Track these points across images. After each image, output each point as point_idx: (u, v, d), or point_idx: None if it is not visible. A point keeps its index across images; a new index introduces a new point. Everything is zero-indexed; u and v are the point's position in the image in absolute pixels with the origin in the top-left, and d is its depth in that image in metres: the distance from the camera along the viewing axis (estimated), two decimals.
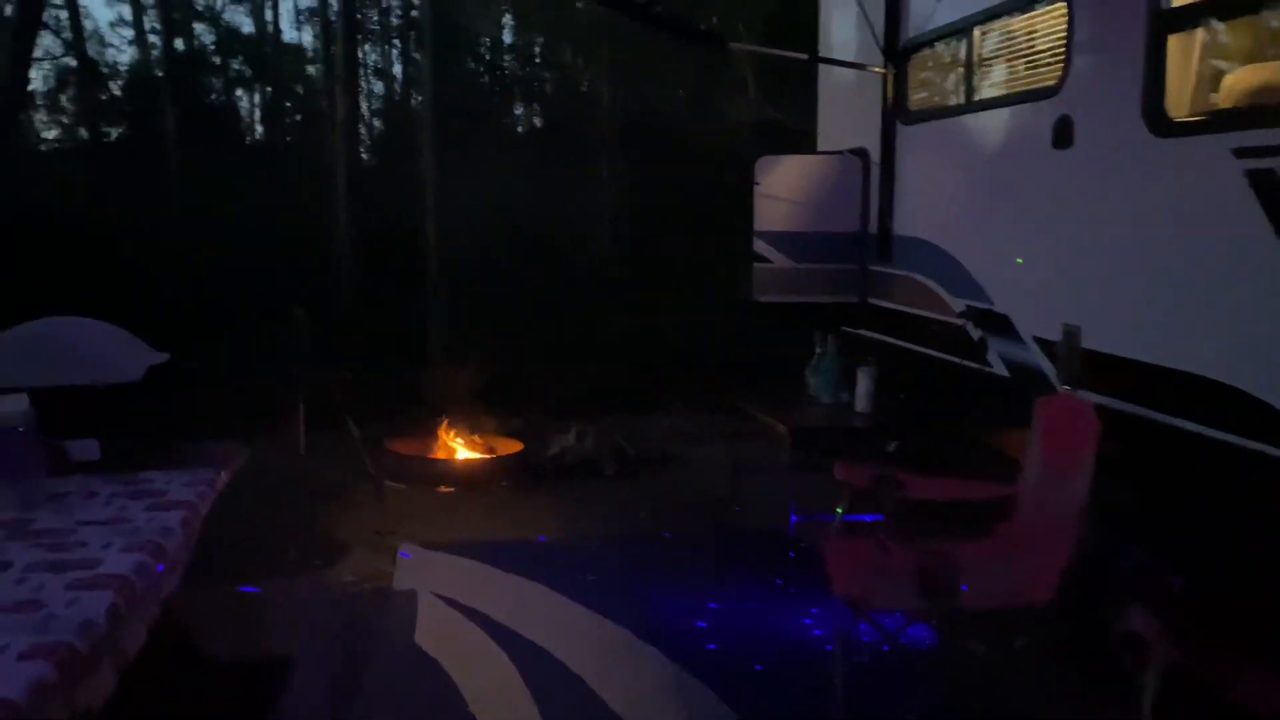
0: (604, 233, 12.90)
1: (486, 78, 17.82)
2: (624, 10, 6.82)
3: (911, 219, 5.37)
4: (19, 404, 2.43)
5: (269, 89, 20.48)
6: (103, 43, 19.56)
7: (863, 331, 5.68)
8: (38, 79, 17.50)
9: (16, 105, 10.99)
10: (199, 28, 19.63)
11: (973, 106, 4.91)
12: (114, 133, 17.06)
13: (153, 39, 16.25)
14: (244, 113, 20.88)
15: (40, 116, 18.10)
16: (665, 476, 6.70)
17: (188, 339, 9.22)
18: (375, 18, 20.22)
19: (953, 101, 5.23)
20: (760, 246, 5.81)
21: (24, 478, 2.47)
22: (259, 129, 20.74)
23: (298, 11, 21.09)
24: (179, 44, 18.67)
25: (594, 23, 13.34)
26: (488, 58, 17.94)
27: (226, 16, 20.58)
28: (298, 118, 20.23)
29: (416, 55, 16.88)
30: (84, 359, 2.86)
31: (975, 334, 4.57)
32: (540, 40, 18.17)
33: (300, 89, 20.50)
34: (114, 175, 12.45)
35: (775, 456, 5.14)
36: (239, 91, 20.84)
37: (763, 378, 6.98)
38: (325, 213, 12.00)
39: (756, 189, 5.81)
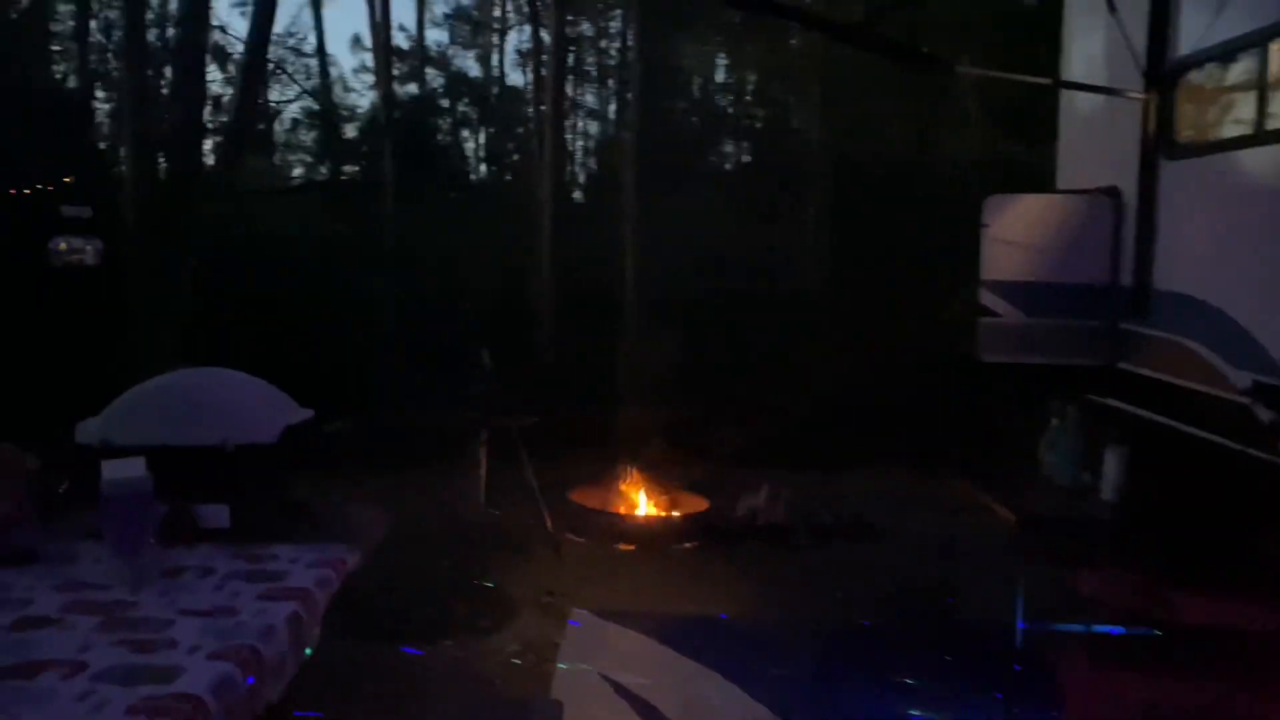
0: (811, 274, 12.31)
1: (696, 117, 17.68)
2: (844, 37, 6.34)
3: (1176, 271, 4.53)
4: (135, 468, 2.23)
5: (491, 130, 21.36)
6: (345, 88, 21.22)
7: (1111, 402, 4.84)
8: (284, 121, 19.16)
9: (243, 143, 11.75)
10: (430, 73, 20.82)
11: (1265, 138, 4.05)
12: (347, 172, 18.22)
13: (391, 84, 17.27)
14: (469, 153, 21.86)
15: (284, 156, 19.74)
16: (865, 551, 6.05)
17: (374, 379, 9.45)
18: (592, 59, 20.67)
19: (1236, 132, 4.36)
20: (988, 298, 5.09)
21: (135, 549, 2.27)
22: (482, 169, 21.63)
23: (518, 54, 21.85)
24: (413, 88, 19.84)
25: (808, 55, 12.88)
26: (698, 96, 17.82)
27: (457, 62, 21.78)
28: (516, 158, 20.93)
29: (629, 95, 17.02)
30: (214, 417, 2.69)
31: (1265, 416, 3.70)
32: (753, 77, 17.90)
33: (521, 130, 21.23)
34: (341, 214, 13.13)
35: (997, 540, 4.41)
36: (465, 132, 21.86)
37: (983, 445, 6.20)
38: (529, 252, 12.13)
39: (985, 232, 5.11)
